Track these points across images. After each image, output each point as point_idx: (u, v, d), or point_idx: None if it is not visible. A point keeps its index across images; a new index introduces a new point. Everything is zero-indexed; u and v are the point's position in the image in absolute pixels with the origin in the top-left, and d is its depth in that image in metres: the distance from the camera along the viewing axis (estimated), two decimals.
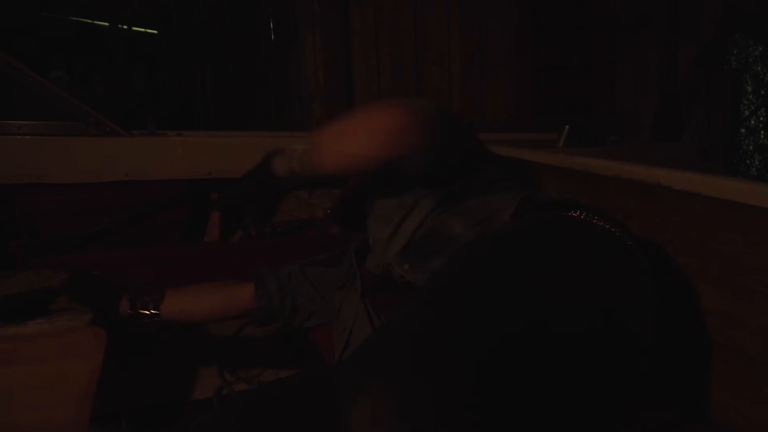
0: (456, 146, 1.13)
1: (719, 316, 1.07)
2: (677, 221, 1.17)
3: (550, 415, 0.74)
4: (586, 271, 0.87)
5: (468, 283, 0.81)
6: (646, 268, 0.96)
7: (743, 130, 2.91)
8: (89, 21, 6.48)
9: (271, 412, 1.06)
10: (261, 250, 2.00)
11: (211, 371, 1.84)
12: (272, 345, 1.96)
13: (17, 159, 1.79)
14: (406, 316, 0.77)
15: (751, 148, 2.91)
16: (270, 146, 2.00)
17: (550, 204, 1.07)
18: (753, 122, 2.89)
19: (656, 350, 0.94)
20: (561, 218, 1.01)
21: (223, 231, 1.20)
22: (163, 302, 1.33)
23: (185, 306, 1.36)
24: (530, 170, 1.58)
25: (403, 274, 1.14)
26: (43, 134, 1.82)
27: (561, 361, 0.75)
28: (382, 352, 0.68)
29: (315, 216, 2.07)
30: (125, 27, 6.56)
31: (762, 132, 2.87)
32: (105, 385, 1.39)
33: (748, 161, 2.91)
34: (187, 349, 1.91)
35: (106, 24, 6.50)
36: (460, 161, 1.14)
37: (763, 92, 2.85)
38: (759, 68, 2.85)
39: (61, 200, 1.85)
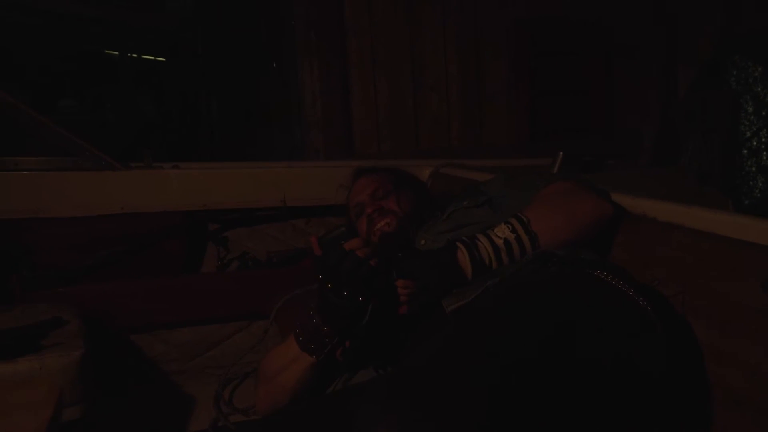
0: None
1: (708, 352, 1.05)
2: (664, 254, 1.16)
3: None
4: (602, 322, 0.95)
5: (491, 317, 0.91)
6: (657, 324, 1.01)
7: (745, 151, 2.88)
8: (99, 50, 6.60)
9: None
10: (257, 279, 2.00)
11: (207, 402, 1.83)
12: None
13: (15, 194, 1.81)
14: (437, 348, 0.86)
15: (753, 169, 2.88)
16: (265, 177, 2.04)
17: (577, 260, 1.12)
18: (755, 143, 2.87)
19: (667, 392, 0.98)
20: (587, 275, 1.08)
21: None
22: None
23: None
24: None
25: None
26: (41, 169, 1.85)
27: (569, 395, 0.84)
28: (409, 377, 0.78)
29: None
30: (134, 55, 6.66)
31: (765, 153, 2.84)
32: (100, 418, 1.38)
33: (750, 182, 2.88)
34: (183, 379, 1.91)
35: (116, 53, 6.61)
36: None
37: (764, 113, 2.83)
38: (759, 89, 2.83)
39: (59, 234, 1.86)
